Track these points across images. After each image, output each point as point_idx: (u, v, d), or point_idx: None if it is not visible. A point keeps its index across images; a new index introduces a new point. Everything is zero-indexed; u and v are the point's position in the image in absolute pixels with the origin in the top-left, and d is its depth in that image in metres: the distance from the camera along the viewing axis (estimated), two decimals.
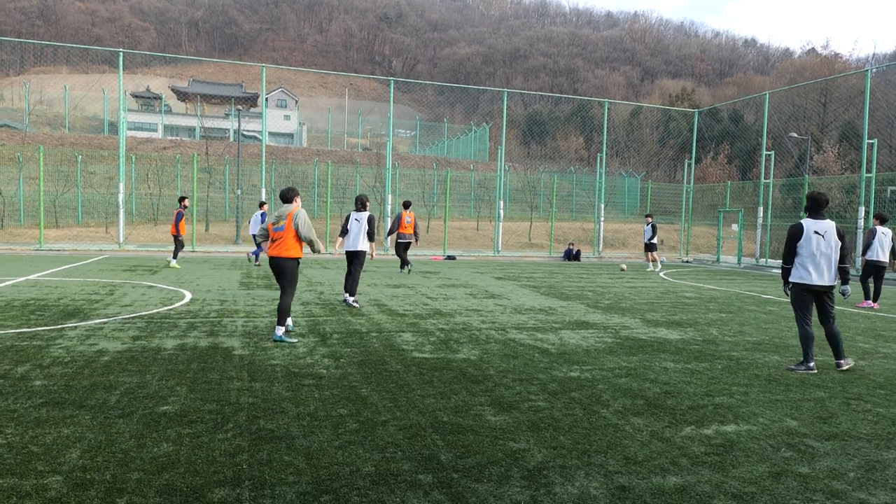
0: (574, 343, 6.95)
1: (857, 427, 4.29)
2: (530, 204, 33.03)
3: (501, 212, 24.53)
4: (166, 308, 8.58)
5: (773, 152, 23.71)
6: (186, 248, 20.61)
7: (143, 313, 8.09)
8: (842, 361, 6.01)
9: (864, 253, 11.47)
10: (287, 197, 6.85)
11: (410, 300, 10.11)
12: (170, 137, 56.92)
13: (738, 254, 23.61)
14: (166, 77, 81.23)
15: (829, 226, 5.96)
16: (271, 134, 64.46)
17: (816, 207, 6.01)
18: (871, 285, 11.34)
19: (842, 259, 6.00)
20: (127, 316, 7.85)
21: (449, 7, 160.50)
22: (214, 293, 10.30)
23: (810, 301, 6.02)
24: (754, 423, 4.30)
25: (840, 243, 5.95)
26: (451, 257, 21.48)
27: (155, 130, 61.59)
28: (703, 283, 15.30)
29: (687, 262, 24.68)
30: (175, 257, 14.93)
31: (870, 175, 19.17)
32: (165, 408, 4.22)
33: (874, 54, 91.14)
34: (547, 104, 71.21)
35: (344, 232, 9.53)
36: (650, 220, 18.65)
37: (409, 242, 15.00)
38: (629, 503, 3.01)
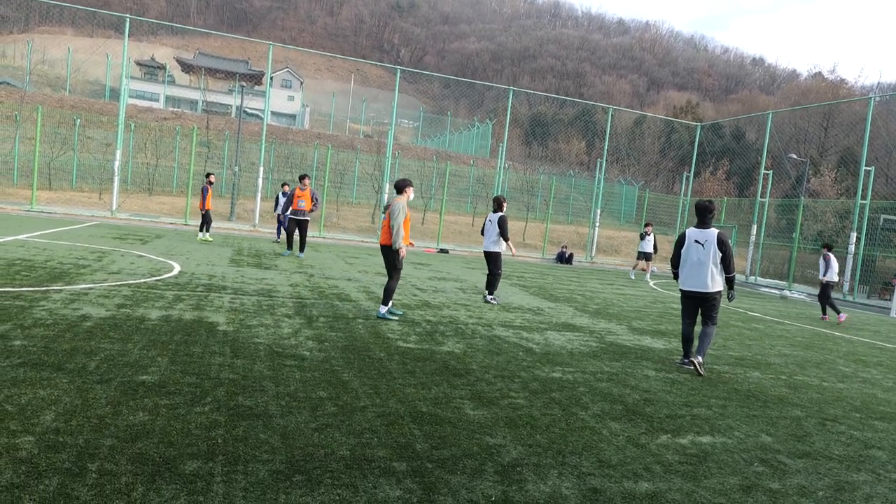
0: (559, 344, 6.97)
1: (831, 448, 4.33)
2: (527, 204, 33.06)
3: None
4: (154, 278, 8.53)
5: (771, 172, 23.83)
6: (179, 222, 20.49)
7: (131, 282, 8.03)
8: (699, 360, 6.20)
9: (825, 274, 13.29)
10: (398, 187, 7.32)
11: (399, 290, 10.10)
12: (171, 108, 56.48)
13: None
14: (172, 47, 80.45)
15: (710, 234, 6.24)
16: (274, 113, 64.07)
17: (700, 216, 6.32)
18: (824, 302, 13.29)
19: (727, 268, 6.25)
20: (114, 283, 7.79)
21: (462, 1, 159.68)
22: (204, 267, 10.25)
23: (690, 306, 6.49)
24: (730, 436, 4.33)
25: (721, 253, 6.19)
26: (444, 250, 21.47)
27: (157, 100, 61.08)
28: None
29: None
30: (203, 230, 15.65)
31: (864, 202, 19.32)
32: (144, 377, 4.20)
33: (879, 83, 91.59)
34: (552, 106, 71.18)
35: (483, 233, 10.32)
36: (650, 229, 18.36)
37: (306, 220, 13.70)
38: None
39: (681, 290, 6.55)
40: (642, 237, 18.38)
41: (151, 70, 66.58)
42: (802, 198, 24.75)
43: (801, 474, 3.74)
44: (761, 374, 6.55)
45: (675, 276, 6.61)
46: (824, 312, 13.31)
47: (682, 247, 6.44)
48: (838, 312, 12.75)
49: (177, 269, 9.77)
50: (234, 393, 4.08)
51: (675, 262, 6.57)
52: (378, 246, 7.98)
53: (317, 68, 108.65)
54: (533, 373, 5.52)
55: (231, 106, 59.65)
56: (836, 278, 13.27)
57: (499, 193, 10.71)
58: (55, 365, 4.26)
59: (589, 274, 19.16)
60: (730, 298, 6.54)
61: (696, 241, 6.31)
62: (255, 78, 65.96)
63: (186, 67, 68.40)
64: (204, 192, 15.41)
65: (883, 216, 20.79)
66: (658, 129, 56.05)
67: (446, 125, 61.63)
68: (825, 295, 13.14)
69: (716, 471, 3.64)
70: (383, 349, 5.80)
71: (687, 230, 6.49)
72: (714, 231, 6.26)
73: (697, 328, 6.63)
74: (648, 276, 18.83)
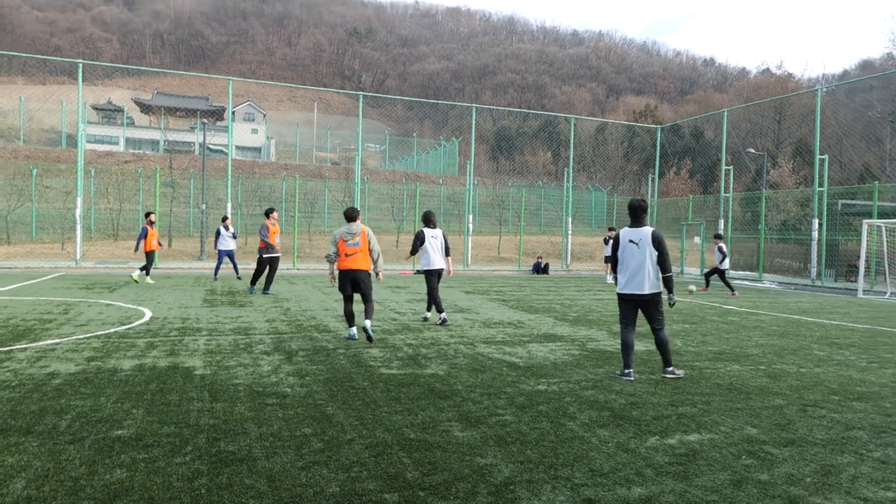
0: (542, 356, 6.98)
1: (814, 433, 4.41)
2: (499, 218, 33.30)
3: (471, 226, 24.65)
4: (125, 327, 8.30)
5: (731, 167, 24.53)
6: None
7: (100, 333, 7.80)
8: (669, 369, 6.05)
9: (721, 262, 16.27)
10: (352, 216, 7.73)
11: (378, 315, 10.02)
12: (132, 151, 55.58)
13: (701, 266, 24.21)
14: (129, 89, 79.52)
15: (643, 233, 5.89)
16: (238, 148, 63.57)
17: (633, 215, 6.01)
18: (714, 281, 16.99)
19: (663, 268, 5.91)
20: (82, 336, 7.55)
21: (419, 23, 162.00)
22: (176, 311, 10.02)
23: (629, 309, 6.04)
24: (716, 431, 4.38)
25: (657, 252, 5.85)
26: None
27: (116, 143, 60.07)
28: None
29: None
30: (144, 272, 14.70)
31: (822, 189, 19.99)
32: (120, 432, 4.05)
33: (823, 75, 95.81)
34: (515, 119, 72.25)
35: (415, 251, 9.52)
36: (613, 233, 19.15)
37: (278, 257, 13.10)
38: None
39: (618, 294, 6.10)
40: (606, 241, 18.99)
41: (109, 113, 65.57)
42: (764, 190, 25.47)
43: (787, 463, 3.79)
44: (741, 367, 6.65)
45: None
46: (732, 290, 15.82)
47: (618, 249, 6.07)
48: (732, 290, 15.71)
49: (148, 315, 9.53)
50: (215, 439, 3.96)
51: (615, 265, 6.16)
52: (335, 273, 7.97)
53: (279, 99, 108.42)
54: (518, 387, 5.51)
55: (194, 143, 59.01)
56: (727, 265, 16.17)
57: (428, 209, 10.22)
58: (23, 428, 4.09)
59: (566, 282, 19.32)
60: (671, 304, 6.10)
61: (631, 241, 5.93)
62: (217, 114, 65.50)
63: (145, 108, 67.58)
64: (144, 233, 14.48)
65: (841, 201, 21.50)
66: (620, 135, 57.29)
67: (413, 146, 61.98)
68: (722, 276, 16.20)
69: (706, 468, 3.67)
70: (366, 378, 5.73)
71: (620, 231, 6.10)
72: (648, 229, 5.92)
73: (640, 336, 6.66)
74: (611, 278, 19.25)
